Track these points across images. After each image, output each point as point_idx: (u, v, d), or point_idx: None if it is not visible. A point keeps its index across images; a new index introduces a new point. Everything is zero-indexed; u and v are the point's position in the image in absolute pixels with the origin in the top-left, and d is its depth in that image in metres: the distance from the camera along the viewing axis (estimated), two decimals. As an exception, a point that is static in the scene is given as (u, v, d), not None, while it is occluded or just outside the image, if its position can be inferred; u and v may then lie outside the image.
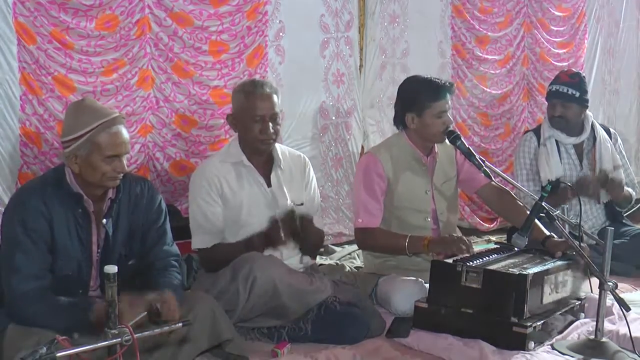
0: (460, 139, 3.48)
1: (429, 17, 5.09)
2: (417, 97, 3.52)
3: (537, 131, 4.55)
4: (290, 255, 3.31)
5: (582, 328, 3.22)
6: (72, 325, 2.45)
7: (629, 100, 6.44)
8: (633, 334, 3.02)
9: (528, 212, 3.30)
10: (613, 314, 3.33)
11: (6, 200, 3.28)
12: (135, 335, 2.08)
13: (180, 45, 3.92)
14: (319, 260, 4.12)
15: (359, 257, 4.43)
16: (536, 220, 3.30)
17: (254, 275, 2.95)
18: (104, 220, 2.76)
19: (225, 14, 4.07)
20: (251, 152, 3.31)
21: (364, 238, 3.62)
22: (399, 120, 3.63)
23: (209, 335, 2.76)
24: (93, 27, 3.62)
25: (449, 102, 3.55)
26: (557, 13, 5.78)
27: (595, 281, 3.16)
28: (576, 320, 3.29)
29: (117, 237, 2.80)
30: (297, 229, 3.08)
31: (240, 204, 3.26)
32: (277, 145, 3.38)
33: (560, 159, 4.43)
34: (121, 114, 2.78)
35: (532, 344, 2.95)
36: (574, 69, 4.98)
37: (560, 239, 3.36)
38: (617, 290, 3.02)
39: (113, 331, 2.07)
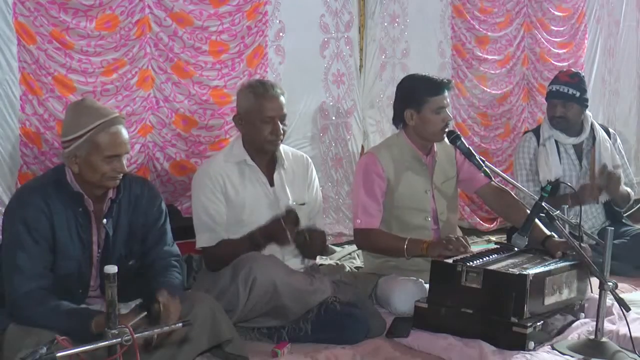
0: (460, 138, 3.48)
1: (429, 17, 5.09)
2: (415, 93, 3.53)
3: (536, 131, 4.56)
4: (290, 257, 3.31)
5: (582, 328, 3.22)
6: (71, 332, 2.45)
7: (629, 101, 6.44)
8: (633, 334, 3.02)
9: (528, 212, 3.30)
10: (613, 314, 3.33)
11: (6, 200, 3.29)
12: (135, 335, 2.08)
13: (180, 45, 3.92)
14: (319, 260, 4.12)
15: (359, 257, 4.43)
16: (536, 220, 3.30)
17: (254, 276, 2.95)
18: (104, 220, 2.77)
19: (225, 14, 4.07)
20: (255, 152, 3.31)
21: (363, 239, 3.62)
22: (398, 118, 3.64)
23: (209, 335, 2.76)
24: (93, 27, 3.61)
25: (448, 99, 3.55)
26: (557, 13, 5.77)
27: (595, 281, 3.16)
28: (576, 320, 3.29)
29: (117, 237, 2.80)
30: (301, 232, 3.09)
31: (242, 203, 3.27)
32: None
33: (560, 159, 4.43)
34: (121, 114, 2.79)
35: (532, 344, 2.95)
36: (573, 69, 4.98)
37: (560, 239, 3.36)
38: (617, 290, 3.03)
39: (113, 331, 2.08)
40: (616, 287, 3.01)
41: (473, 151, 3.45)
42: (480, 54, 5.35)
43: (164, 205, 2.97)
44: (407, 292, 3.36)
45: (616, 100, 6.31)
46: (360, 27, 4.78)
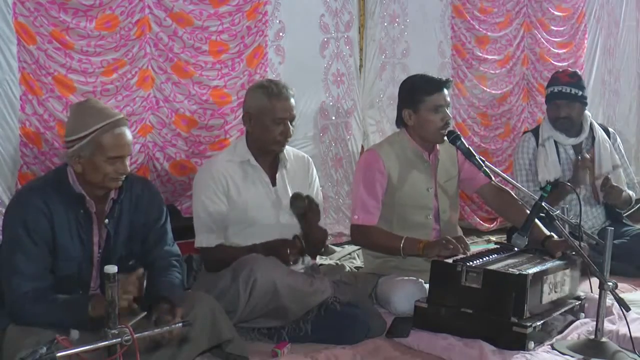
0: (460, 138, 3.48)
1: (429, 17, 5.09)
2: (412, 92, 3.54)
3: (535, 132, 4.56)
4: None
5: (582, 328, 3.22)
6: (71, 322, 2.46)
7: (629, 100, 6.44)
8: (633, 334, 3.02)
9: (528, 212, 3.30)
10: (613, 314, 3.33)
11: (6, 200, 3.29)
12: (135, 335, 2.08)
13: (180, 45, 3.92)
14: (319, 260, 4.12)
15: (359, 257, 4.44)
16: (536, 220, 3.30)
17: (255, 277, 2.95)
18: (107, 221, 2.77)
19: (225, 14, 4.07)
20: (260, 152, 3.32)
21: (360, 235, 3.62)
22: (399, 119, 3.64)
23: (209, 336, 2.76)
24: (93, 27, 3.61)
25: (447, 98, 3.54)
26: (557, 13, 5.78)
27: (595, 281, 3.16)
28: (576, 320, 3.29)
29: (118, 238, 2.80)
30: (304, 252, 3.15)
31: (245, 203, 3.27)
32: None
33: (559, 160, 4.43)
34: (124, 116, 2.79)
35: (532, 344, 2.95)
36: (569, 69, 4.99)
37: (560, 239, 3.36)
38: (617, 290, 3.02)
39: (113, 331, 2.08)
40: (616, 287, 3.01)
41: (473, 151, 3.45)
42: (480, 54, 5.35)
43: (164, 205, 2.97)
44: (407, 292, 3.37)
45: (616, 100, 6.31)
46: (360, 27, 4.78)
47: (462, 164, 3.73)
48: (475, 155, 3.42)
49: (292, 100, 3.28)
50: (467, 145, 3.45)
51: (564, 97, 4.37)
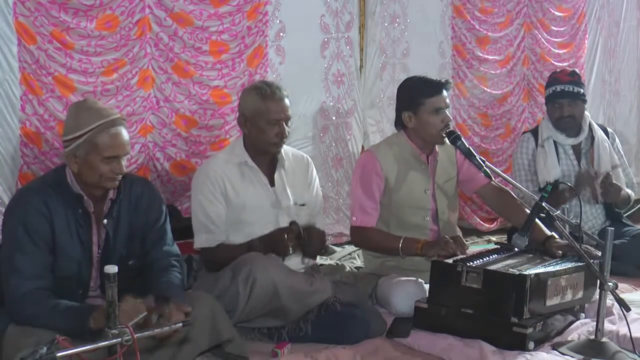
0: (460, 139, 3.47)
1: (430, 17, 5.09)
2: (411, 95, 3.53)
3: (534, 132, 4.56)
4: (291, 256, 3.31)
5: (582, 328, 3.22)
6: (70, 330, 2.45)
7: (629, 101, 6.43)
8: (633, 334, 3.02)
9: (528, 213, 3.30)
10: (613, 314, 3.33)
11: (6, 200, 3.29)
12: (135, 335, 2.08)
13: (180, 46, 3.92)
14: (319, 260, 4.12)
15: (359, 257, 4.43)
16: (537, 221, 3.30)
17: (254, 277, 2.95)
18: (105, 221, 2.77)
19: (226, 14, 4.07)
20: (257, 153, 3.32)
21: (359, 237, 3.63)
22: (397, 121, 3.64)
23: (209, 335, 2.76)
24: (93, 27, 3.61)
25: (447, 100, 3.54)
26: (557, 13, 5.77)
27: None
28: (576, 321, 3.29)
29: (117, 238, 2.80)
30: (302, 238, 3.11)
31: (243, 203, 3.27)
32: None
33: (559, 160, 4.43)
34: (122, 115, 2.79)
35: (532, 344, 2.95)
36: (568, 68, 4.99)
37: (560, 240, 3.36)
38: (617, 291, 3.02)
39: (113, 331, 2.08)
40: (616, 287, 3.01)
41: (473, 151, 3.45)
42: (481, 54, 5.35)
43: (164, 206, 2.97)
44: (407, 292, 3.36)
45: (616, 101, 6.31)
46: (360, 27, 4.78)
47: (461, 165, 3.73)
48: (475, 156, 3.41)
49: (287, 101, 3.28)
50: (467, 146, 3.45)
51: (567, 96, 4.37)
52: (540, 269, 3.10)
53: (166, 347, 2.59)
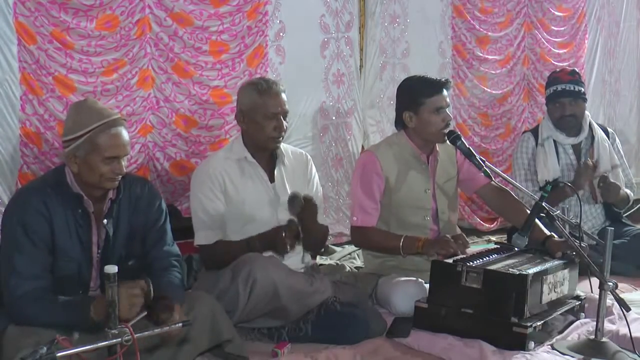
0: (460, 139, 3.47)
1: (430, 17, 5.09)
2: (411, 95, 3.53)
3: (534, 131, 4.56)
4: (291, 255, 3.31)
5: (582, 328, 3.22)
6: (71, 323, 2.46)
7: (630, 101, 6.44)
8: (633, 334, 3.02)
9: (528, 212, 3.30)
10: (613, 314, 3.33)
11: (6, 200, 3.29)
12: (135, 335, 2.08)
13: (180, 46, 3.93)
14: (319, 260, 4.12)
15: (359, 257, 4.44)
16: (537, 220, 3.30)
17: (254, 277, 2.95)
18: (105, 221, 2.76)
19: (226, 14, 4.07)
20: (256, 149, 3.32)
21: (359, 237, 3.63)
22: (398, 121, 3.64)
23: (209, 336, 2.76)
24: (93, 27, 3.62)
25: (447, 99, 3.54)
26: (557, 13, 5.78)
27: (595, 281, 3.16)
28: (576, 320, 3.29)
29: (117, 238, 2.80)
30: (300, 236, 3.11)
31: (243, 200, 3.27)
32: None
33: (558, 159, 4.43)
34: (122, 116, 2.79)
35: (532, 344, 2.95)
36: (567, 67, 4.99)
37: (560, 239, 3.36)
38: (617, 290, 3.02)
39: (113, 331, 2.08)
40: (616, 287, 3.01)
41: (473, 151, 3.45)
42: (481, 54, 5.35)
43: (164, 205, 2.97)
44: (407, 292, 3.36)
45: (616, 101, 6.31)
46: (360, 27, 4.78)
47: (462, 165, 3.73)
48: (475, 156, 3.42)
49: (284, 96, 3.28)
50: (467, 146, 3.45)
51: (569, 95, 4.38)
52: (540, 269, 3.10)
53: (166, 347, 2.59)
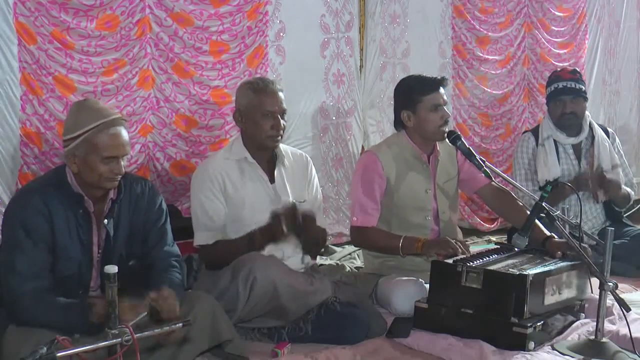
0: (460, 139, 3.48)
1: (430, 17, 5.09)
2: (409, 93, 3.54)
3: (535, 131, 4.57)
4: (291, 255, 3.31)
5: (582, 328, 3.22)
6: (72, 326, 2.46)
7: (630, 101, 6.44)
8: (633, 335, 3.02)
9: (528, 213, 3.30)
10: (613, 315, 3.33)
11: (6, 200, 3.29)
12: (135, 335, 2.08)
13: (180, 46, 3.93)
14: (319, 260, 4.12)
15: (359, 257, 4.44)
16: (537, 221, 3.30)
17: (254, 276, 2.95)
18: (105, 221, 2.77)
19: (226, 14, 4.07)
20: (255, 149, 3.32)
21: (359, 237, 3.63)
22: (397, 121, 3.64)
23: (209, 336, 2.76)
24: (93, 27, 3.62)
25: (444, 97, 3.54)
26: (557, 13, 5.78)
27: (595, 281, 3.16)
28: (576, 321, 3.29)
29: (117, 238, 2.80)
30: (299, 223, 3.08)
31: (242, 200, 3.27)
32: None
33: (559, 159, 4.43)
34: (122, 116, 2.79)
35: (532, 344, 2.95)
36: (569, 67, 4.99)
37: (560, 240, 3.36)
38: (617, 291, 3.02)
39: (113, 331, 2.08)
40: (616, 287, 3.01)
41: (473, 151, 3.45)
42: (481, 54, 5.35)
43: (164, 206, 2.97)
44: (407, 292, 3.37)
45: (617, 101, 6.31)
46: (360, 27, 4.78)
47: (462, 165, 3.73)
48: (475, 156, 3.42)
49: (281, 94, 3.29)
50: (467, 146, 3.45)
51: (569, 93, 4.38)
52: (540, 269, 3.10)
53: (166, 347, 2.59)
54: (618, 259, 3.52)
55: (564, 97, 4.39)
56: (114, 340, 2.07)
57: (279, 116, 3.25)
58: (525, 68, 5.64)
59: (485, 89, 5.39)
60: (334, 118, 4.67)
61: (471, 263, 3.12)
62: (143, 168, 3.88)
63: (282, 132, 3.29)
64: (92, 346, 2.05)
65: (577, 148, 4.48)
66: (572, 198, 4.28)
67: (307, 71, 4.51)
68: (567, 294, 3.22)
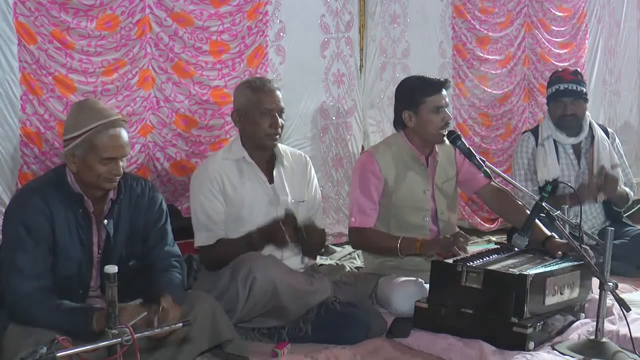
0: (460, 139, 3.47)
1: (430, 17, 5.09)
2: (411, 94, 3.54)
3: (535, 131, 4.57)
4: (290, 255, 3.31)
5: (582, 328, 3.22)
6: (72, 330, 2.45)
7: (630, 101, 6.43)
8: (633, 335, 3.02)
9: (528, 213, 3.30)
10: (613, 314, 3.33)
11: (6, 200, 3.29)
12: (135, 335, 2.08)
13: (180, 46, 3.93)
14: (319, 260, 4.12)
15: (359, 257, 4.43)
16: (537, 221, 3.30)
17: (254, 276, 2.95)
18: (105, 221, 2.77)
19: (226, 14, 4.07)
20: (254, 149, 3.32)
21: (358, 238, 3.63)
22: (397, 121, 3.64)
23: (209, 336, 2.76)
24: (94, 27, 3.62)
25: (446, 99, 3.54)
26: (558, 13, 5.77)
27: (595, 281, 3.16)
28: (576, 321, 3.29)
29: (118, 238, 2.80)
30: (300, 231, 3.09)
31: (241, 200, 3.27)
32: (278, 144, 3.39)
33: (558, 159, 4.43)
34: (123, 117, 2.79)
35: (532, 344, 2.95)
36: (570, 67, 4.99)
37: (560, 240, 3.36)
38: (617, 291, 3.02)
39: (113, 331, 2.08)
40: (616, 287, 3.01)
41: (473, 151, 3.45)
42: (481, 54, 5.35)
43: (164, 206, 2.97)
44: (407, 292, 3.37)
45: (617, 101, 6.31)
46: (360, 27, 4.78)
47: (461, 165, 3.73)
48: (475, 156, 3.41)
49: (278, 93, 3.29)
50: (467, 146, 3.45)
51: (570, 95, 4.38)
52: (540, 269, 3.09)
53: (166, 347, 2.60)
54: (618, 259, 3.52)
55: (565, 98, 4.39)
56: (114, 340, 2.07)
57: (277, 114, 3.25)
58: (526, 68, 5.64)
59: (486, 88, 5.39)
60: (334, 118, 4.67)
61: (471, 263, 3.12)
62: (143, 168, 3.89)
63: (280, 130, 3.29)
64: (92, 346, 2.05)
65: (577, 148, 4.48)
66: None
67: (307, 71, 4.51)
68: (569, 294, 3.21)
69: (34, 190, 2.71)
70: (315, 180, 3.54)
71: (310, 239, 3.14)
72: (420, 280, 3.43)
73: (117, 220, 2.80)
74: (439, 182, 3.66)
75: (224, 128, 4.11)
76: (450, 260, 3.17)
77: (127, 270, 2.75)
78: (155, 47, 3.86)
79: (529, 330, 2.92)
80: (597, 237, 3.55)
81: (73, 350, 2.01)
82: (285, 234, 3.03)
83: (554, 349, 3.03)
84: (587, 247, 3.28)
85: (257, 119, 3.24)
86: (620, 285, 3.29)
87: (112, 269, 2.08)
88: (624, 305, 2.98)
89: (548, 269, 3.12)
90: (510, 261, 3.25)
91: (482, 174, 3.42)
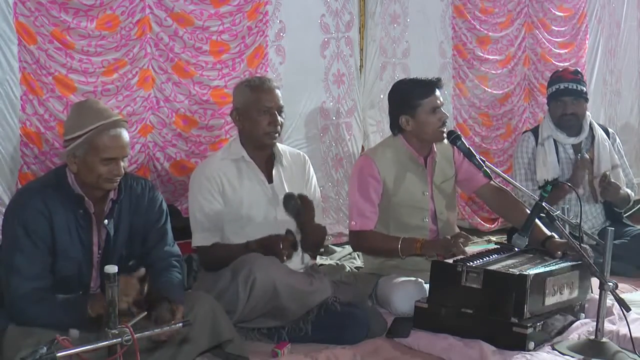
0: (460, 139, 3.47)
1: (430, 17, 5.09)
2: (406, 98, 3.53)
3: (535, 131, 4.57)
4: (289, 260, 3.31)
5: (582, 328, 3.22)
6: (69, 320, 2.46)
7: (630, 101, 6.44)
8: (633, 335, 3.02)
9: (528, 212, 3.30)
10: (613, 314, 3.33)
11: (6, 200, 3.29)
12: (135, 335, 2.08)
13: (180, 46, 3.93)
14: (319, 260, 4.12)
15: (359, 257, 4.43)
16: (537, 221, 3.30)
17: (254, 276, 2.95)
18: (106, 221, 2.76)
19: (226, 14, 4.07)
20: (253, 148, 3.32)
21: (358, 241, 3.62)
22: (394, 125, 3.63)
23: (209, 336, 2.76)
24: (94, 27, 3.62)
25: (441, 98, 3.54)
26: (558, 13, 5.78)
27: (595, 281, 3.16)
28: (576, 321, 3.29)
29: (118, 238, 2.80)
30: (297, 246, 3.13)
31: (240, 200, 3.27)
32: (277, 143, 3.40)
33: (558, 159, 4.44)
34: (123, 117, 2.79)
35: (532, 344, 2.95)
36: (570, 67, 4.99)
37: (561, 240, 3.36)
38: (617, 291, 3.02)
39: (113, 331, 2.08)
40: (616, 287, 3.01)
41: (473, 151, 3.45)
42: (482, 54, 5.35)
43: (164, 206, 2.97)
44: (407, 292, 3.37)
45: (617, 101, 6.31)
46: (360, 27, 4.78)
47: (460, 165, 3.72)
48: (475, 156, 3.41)
49: (277, 91, 3.30)
50: (467, 146, 3.45)
51: (571, 94, 4.38)
52: (540, 269, 3.09)
53: (166, 347, 2.60)
54: (618, 259, 3.52)
55: (565, 98, 4.39)
56: (114, 340, 2.07)
57: (276, 112, 3.25)
58: (526, 68, 5.64)
59: (486, 88, 5.39)
60: (334, 118, 4.67)
61: (471, 263, 3.12)
62: (143, 168, 3.89)
63: (279, 128, 3.29)
64: (92, 346, 2.05)
65: (577, 148, 4.48)
66: (572, 198, 4.28)
67: (307, 71, 4.51)
68: (569, 294, 3.21)
69: (33, 191, 2.71)
70: (314, 180, 3.54)
71: (306, 208, 3.14)
72: (420, 280, 3.43)
73: (117, 220, 2.80)
74: (437, 182, 3.66)
75: (223, 128, 4.11)
76: (450, 261, 3.17)
77: (127, 271, 2.74)
78: (155, 47, 3.86)
79: (529, 331, 2.92)
80: (597, 237, 3.55)
81: (73, 350, 2.01)
82: (284, 253, 3.04)
83: (554, 349, 3.03)
84: (587, 247, 3.28)
85: (256, 117, 3.24)
86: (620, 285, 3.29)
87: (112, 269, 2.08)
88: (624, 305, 2.98)
89: (548, 269, 3.12)
90: (510, 261, 3.25)
91: (482, 174, 3.42)
